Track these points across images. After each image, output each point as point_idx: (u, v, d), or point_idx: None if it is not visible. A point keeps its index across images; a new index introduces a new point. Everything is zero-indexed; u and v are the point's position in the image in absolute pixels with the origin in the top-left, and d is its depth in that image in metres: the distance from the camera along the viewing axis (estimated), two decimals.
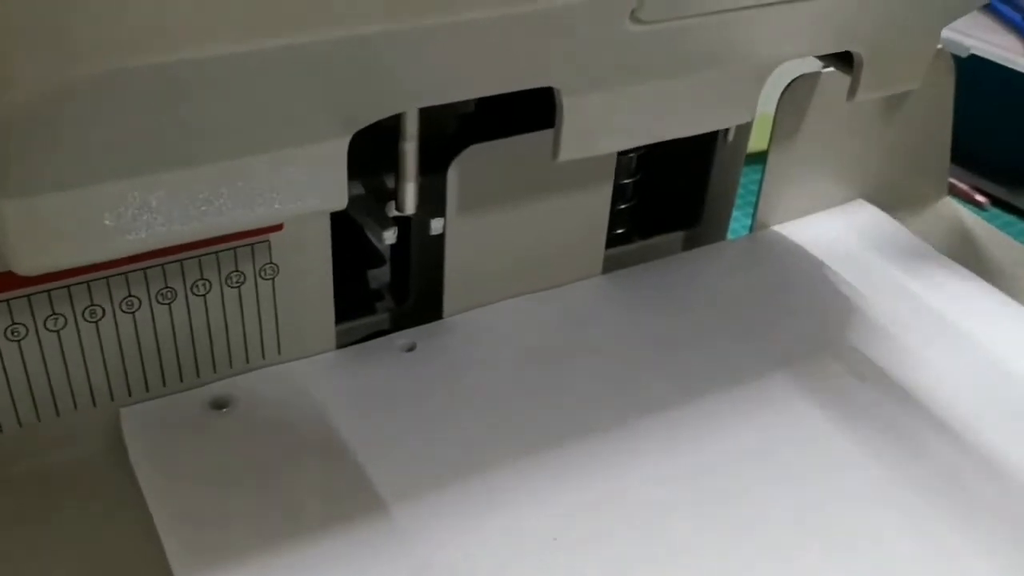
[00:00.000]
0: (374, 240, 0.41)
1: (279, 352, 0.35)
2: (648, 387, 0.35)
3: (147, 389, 0.34)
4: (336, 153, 0.27)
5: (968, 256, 0.44)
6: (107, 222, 0.25)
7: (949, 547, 0.30)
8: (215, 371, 0.34)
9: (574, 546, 0.30)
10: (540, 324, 0.38)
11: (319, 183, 0.27)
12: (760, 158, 0.44)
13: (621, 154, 0.40)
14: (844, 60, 0.36)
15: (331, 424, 0.33)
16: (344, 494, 0.31)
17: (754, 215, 0.44)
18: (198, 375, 0.34)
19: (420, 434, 0.33)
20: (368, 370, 0.36)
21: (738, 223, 0.50)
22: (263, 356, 0.35)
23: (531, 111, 0.36)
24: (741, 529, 0.31)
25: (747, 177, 0.46)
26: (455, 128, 0.38)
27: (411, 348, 0.37)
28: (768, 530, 0.31)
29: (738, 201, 0.46)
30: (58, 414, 0.33)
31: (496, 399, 0.34)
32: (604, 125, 0.30)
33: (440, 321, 0.38)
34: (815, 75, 0.40)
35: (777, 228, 0.44)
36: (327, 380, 0.35)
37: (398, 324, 0.40)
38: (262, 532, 0.29)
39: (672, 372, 0.36)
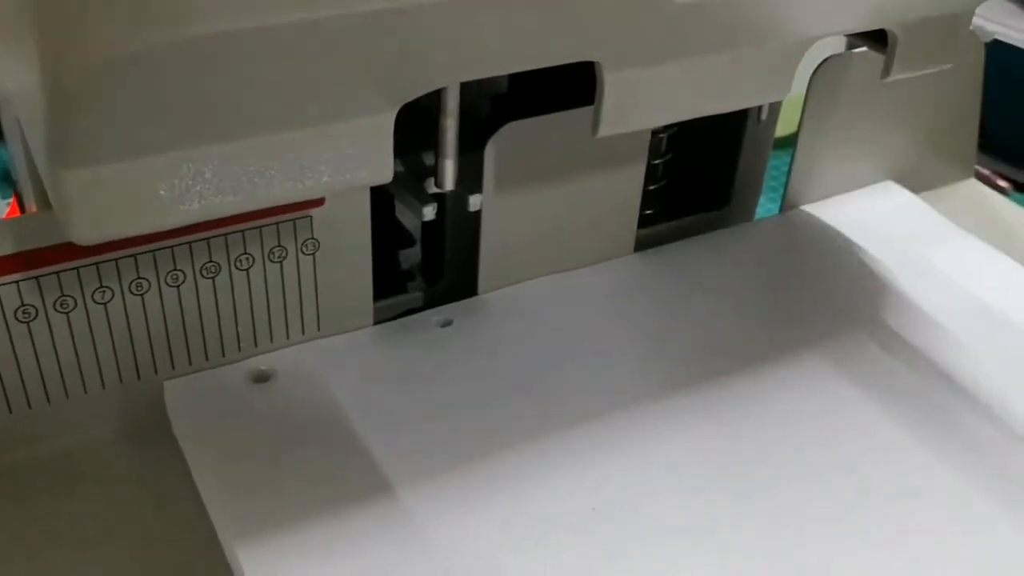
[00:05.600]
0: (405, 223, 0.41)
1: (318, 328, 0.36)
2: (683, 364, 0.36)
3: (190, 363, 0.34)
4: (383, 127, 0.27)
5: (995, 237, 0.44)
6: (162, 192, 0.26)
7: (983, 516, 0.31)
8: (256, 345, 0.35)
9: (614, 516, 0.30)
10: (575, 302, 0.38)
11: (366, 156, 0.28)
12: (786, 143, 0.45)
13: (652, 134, 0.40)
14: (876, 39, 0.37)
15: (370, 397, 0.34)
16: (385, 465, 0.31)
17: (784, 195, 0.44)
18: (239, 350, 0.35)
19: (458, 408, 0.33)
20: (405, 345, 0.36)
21: (763, 209, 0.50)
22: (303, 331, 0.36)
23: (564, 91, 0.36)
24: (779, 503, 0.31)
25: (773, 162, 0.47)
26: (489, 109, 0.38)
27: (447, 324, 0.37)
28: (805, 504, 0.31)
29: (763, 187, 0.46)
30: (104, 387, 0.33)
31: (533, 374, 0.35)
32: (644, 100, 0.30)
33: (476, 297, 0.38)
34: (847, 55, 0.41)
35: (806, 208, 0.44)
36: (366, 354, 0.35)
37: (432, 303, 0.40)
38: (306, 502, 0.30)
39: (706, 349, 0.37)
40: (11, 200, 0.51)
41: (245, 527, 0.29)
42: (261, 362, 0.35)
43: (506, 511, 0.30)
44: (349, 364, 0.35)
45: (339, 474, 0.31)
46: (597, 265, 0.40)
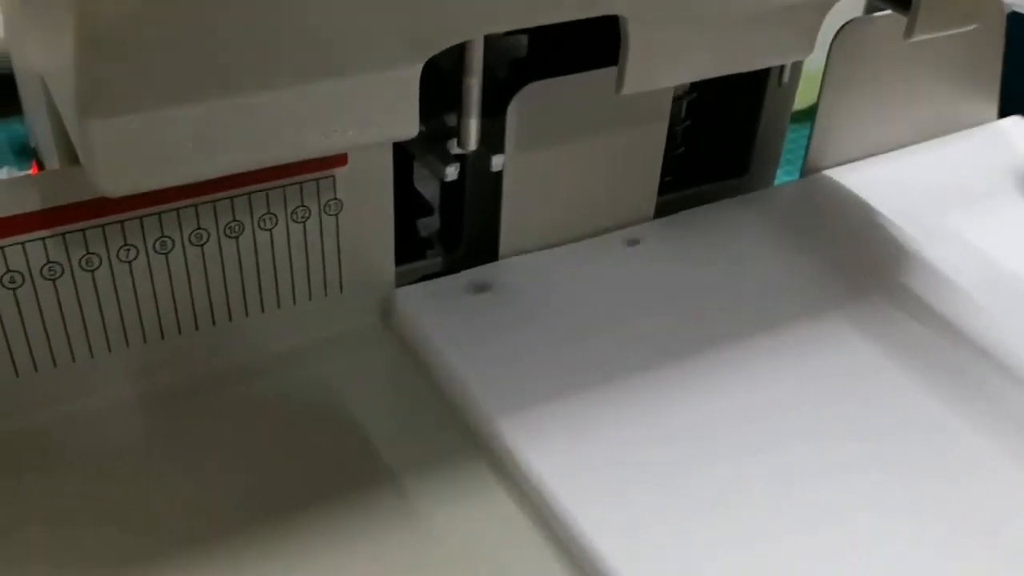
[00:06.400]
0: (424, 193, 0.41)
1: (340, 289, 0.36)
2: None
3: (214, 323, 0.34)
4: (409, 80, 0.27)
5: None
6: (189, 144, 0.26)
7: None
8: (278, 306, 0.35)
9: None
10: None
11: (392, 110, 0.28)
12: (804, 116, 0.44)
13: (672, 99, 0.40)
14: (898, 2, 0.36)
15: (576, 305, 0.37)
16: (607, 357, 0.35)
17: (804, 161, 0.44)
18: (262, 310, 0.35)
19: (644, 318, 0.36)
20: (593, 262, 0.39)
21: (781, 181, 0.50)
22: (325, 292, 0.36)
23: (584, 53, 0.36)
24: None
25: (791, 135, 0.47)
26: (510, 72, 0.38)
27: (634, 243, 0.40)
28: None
29: (782, 155, 0.46)
30: (127, 345, 0.33)
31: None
32: (668, 57, 0.30)
33: (500, 262, 0.38)
34: (868, 18, 0.41)
35: (828, 173, 0.44)
36: (564, 270, 0.38)
37: (452, 268, 0.40)
38: (549, 382, 0.33)
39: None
40: (30, 172, 0.51)
41: (502, 396, 0.32)
42: (477, 274, 0.38)
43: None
44: (554, 278, 0.38)
45: (571, 361, 0.34)
46: (620, 231, 0.40)
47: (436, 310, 0.36)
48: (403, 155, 0.37)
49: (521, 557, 0.30)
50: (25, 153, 0.55)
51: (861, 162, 0.44)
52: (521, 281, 0.38)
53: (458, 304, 0.36)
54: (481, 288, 0.37)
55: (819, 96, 0.43)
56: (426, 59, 0.27)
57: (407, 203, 0.41)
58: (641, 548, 0.29)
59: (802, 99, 0.45)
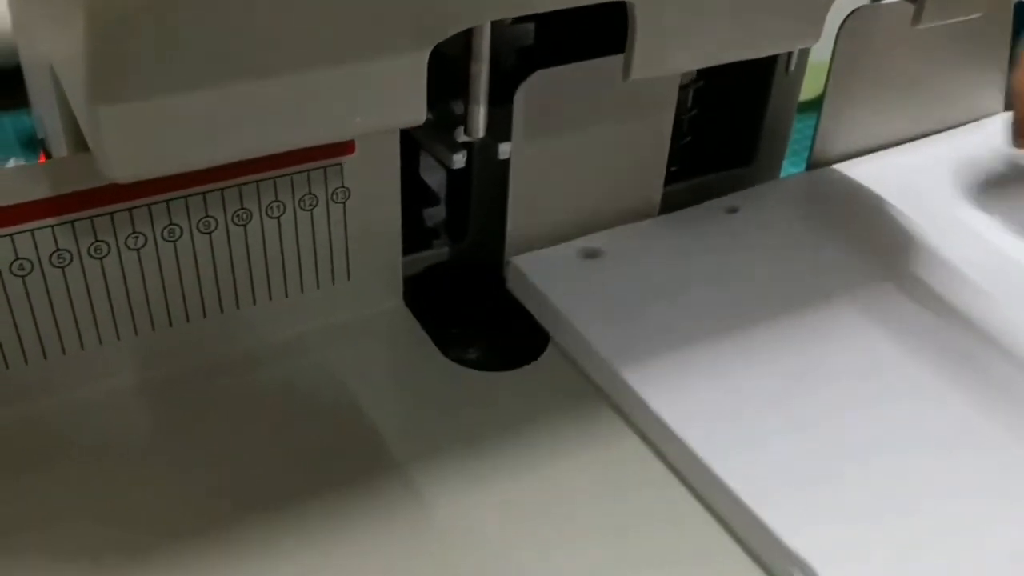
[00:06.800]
0: (430, 182, 0.41)
1: (348, 277, 0.36)
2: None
3: (222, 311, 0.34)
4: (416, 66, 0.27)
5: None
6: (197, 130, 0.26)
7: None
8: (286, 294, 0.35)
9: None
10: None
11: (400, 96, 0.28)
12: (809, 106, 0.44)
13: (680, 88, 0.40)
14: None
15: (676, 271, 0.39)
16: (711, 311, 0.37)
17: (811, 151, 0.44)
18: (270, 298, 0.35)
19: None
20: (694, 228, 0.41)
21: (787, 172, 0.50)
22: (333, 281, 0.36)
23: (591, 42, 0.36)
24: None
25: (797, 125, 0.47)
26: (517, 60, 0.38)
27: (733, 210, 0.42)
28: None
29: (788, 145, 0.46)
30: (136, 333, 0.33)
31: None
32: (675, 43, 0.30)
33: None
34: (875, 6, 0.40)
35: (835, 166, 0.44)
36: (666, 238, 0.41)
37: (459, 257, 0.40)
38: (663, 333, 0.36)
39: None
40: (39, 162, 0.51)
41: (622, 350, 0.35)
42: (590, 240, 0.40)
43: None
44: (655, 246, 0.40)
45: (680, 317, 0.36)
46: (627, 226, 0.41)
47: (553, 274, 0.38)
48: (409, 145, 0.38)
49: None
50: (31, 145, 0.55)
51: (867, 156, 0.44)
52: (627, 247, 0.40)
53: (571, 268, 0.39)
54: (591, 254, 0.39)
55: (825, 85, 0.43)
56: (433, 45, 0.27)
57: (413, 193, 0.41)
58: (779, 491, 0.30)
59: (808, 89, 0.45)
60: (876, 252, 0.40)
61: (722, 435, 0.32)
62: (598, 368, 0.35)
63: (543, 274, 0.38)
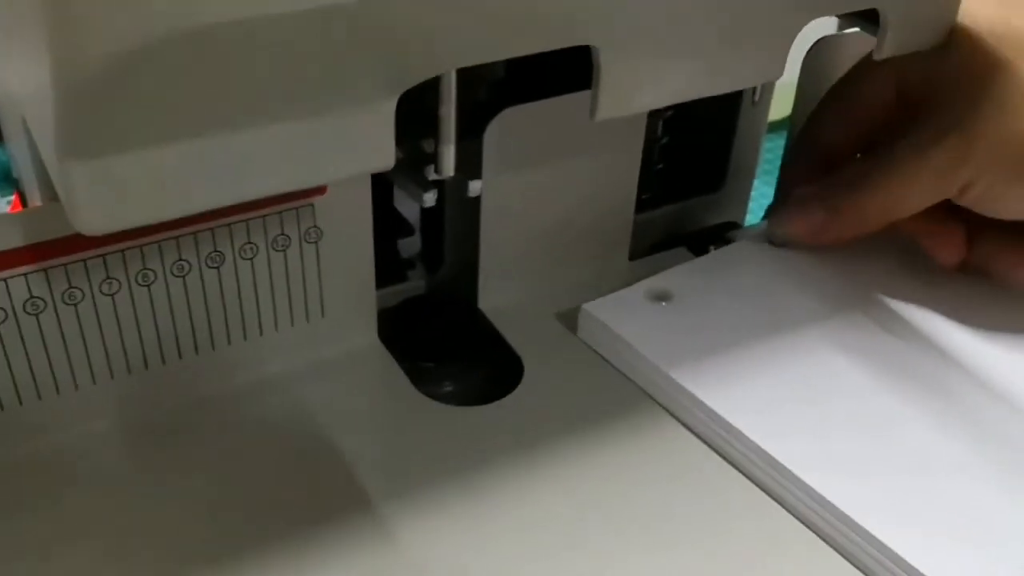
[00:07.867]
0: (404, 213, 0.42)
1: (322, 315, 0.36)
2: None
3: (196, 352, 0.35)
4: (384, 114, 0.28)
5: None
6: (167, 182, 0.26)
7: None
8: (261, 333, 0.35)
9: None
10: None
11: (369, 144, 0.28)
12: (779, 127, 0.45)
13: (649, 117, 0.41)
14: (868, 19, 0.37)
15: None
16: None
17: (779, 178, 0.45)
18: (245, 338, 0.35)
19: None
20: (743, 267, 0.41)
21: (757, 192, 0.50)
22: (307, 319, 0.36)
23: (561, 76, 0.36)
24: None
25: (767, 144, 0.47)
26: (487, 95, 0.38)
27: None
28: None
29: (757, 170, 0.47)
30: (112, 376, 0.34)
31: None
32: (641, 83, 0.31)
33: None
34: (838, 36, 0.41)
35: None
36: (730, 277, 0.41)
37: (434, 289, 0.40)
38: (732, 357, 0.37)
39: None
40: (12, 198, 0.51)
41: (681, 363, 0.36)
42: (657, 282, 0.40)
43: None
44: (719, 286, 0.40)
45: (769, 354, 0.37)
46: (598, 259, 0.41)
47: (630, 320, 0.38)
48: (383, 175, 0.38)
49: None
50: (9, 179, 0.55)
51: None
52: (694, 286, 0.40)
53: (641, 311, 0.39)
54: (660, 296, 0.40)
55: (793, 109, 0.43)
56: (400, 93, 0.28)
57: (388, 224, 0.41)
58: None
59: (776, 110, 0.45)
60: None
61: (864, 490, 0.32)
62: (701, 419, 0.35)
63: (616, 315, 0.38)
